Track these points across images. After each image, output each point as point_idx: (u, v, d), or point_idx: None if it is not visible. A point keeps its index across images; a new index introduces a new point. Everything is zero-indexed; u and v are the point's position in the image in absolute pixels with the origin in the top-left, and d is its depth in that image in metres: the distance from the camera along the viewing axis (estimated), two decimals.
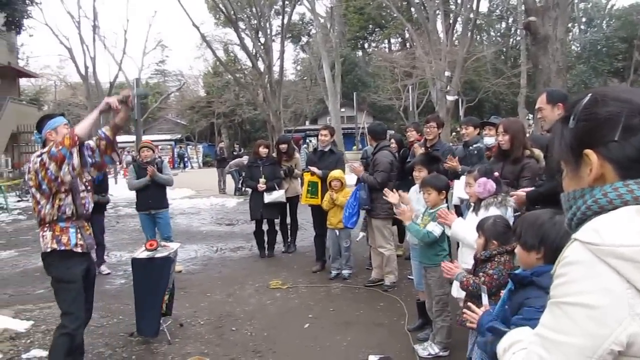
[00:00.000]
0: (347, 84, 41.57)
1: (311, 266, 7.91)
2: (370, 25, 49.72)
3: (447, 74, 23.64)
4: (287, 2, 27.83)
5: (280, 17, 29.94)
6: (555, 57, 8.35)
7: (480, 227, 3.34)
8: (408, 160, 7.16)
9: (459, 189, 5.38)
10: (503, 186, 4.02)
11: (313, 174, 7.69)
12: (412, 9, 34.34)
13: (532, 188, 4.09)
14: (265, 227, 8.85)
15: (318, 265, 7.85)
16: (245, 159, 17.16)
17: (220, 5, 26.18)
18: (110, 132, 4.01)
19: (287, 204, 8.86)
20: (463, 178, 4.75)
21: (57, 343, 3.95)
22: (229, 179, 19.70)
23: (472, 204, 4.13)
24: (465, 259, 3.82)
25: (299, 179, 8.79)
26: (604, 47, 35.03)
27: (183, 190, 19.98)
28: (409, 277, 6.61)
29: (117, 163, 6.72)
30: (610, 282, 1.03)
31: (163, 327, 5.23)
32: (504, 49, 43.48)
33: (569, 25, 35.95)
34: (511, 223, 3.43)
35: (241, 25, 27.44)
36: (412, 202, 5.17)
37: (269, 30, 27.78)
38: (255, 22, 27.69)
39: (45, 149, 3.81)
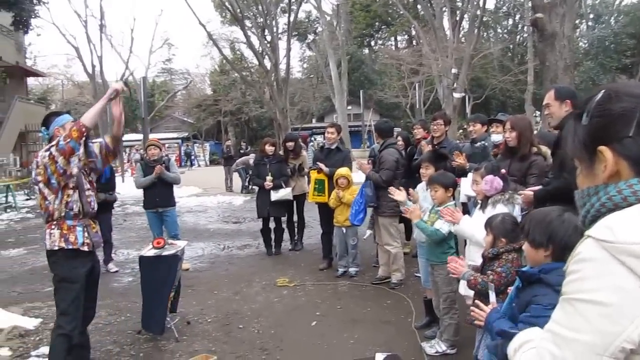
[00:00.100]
0: (354, 81, 41.51)
1: (318, 264, 7.91)
2: (377, 23, 49.64)
3: (453, 71, 23.56)
4: (293, 0, 27.81)
5: (287, 15, 29.89)
6: (563, 53, 8.30)
7: (489, 224, 3.33)
8: (415, 157, 7.15)
9: (466, 187, 5.36)
10: (510, 183, 4.01)
11: (320, 171, 7.68)
12: (419, 6, 34.17)
13: (540, 187, 4.07)
14: (272, 224, 8.86)
15: (325, 263, 7.85)
16: (251, 157, 17.20)
17: (227, 4, 26.17)
18: (111, 142, 4.09)
19: (294, 202, 8.86)
20: (470, 175, 4.74)
21: (56, 344, 3.93)
22: (235, 176, 19.73)
23: (479, 202, 4.12)
24: (473, 257, 3.81)
25: (305, 176, 8.79)
26: (612, 44, 34.76)
27: (190, 188, 20.03)
28: (415, 274, 6.61)
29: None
30: (623, 280, 1.03)
31: (170, 324, 5.25)
32: (511, 46, 43.33)
33: (577, 21, 35.74)
34: (519, 220, 3.41)
35: (247, 23, 27.43)
36: (419, 200, 5.17)
37: (275, 28, 27.75)
38: (262, 20, 27.68)
39: (54, 142, 3.83)
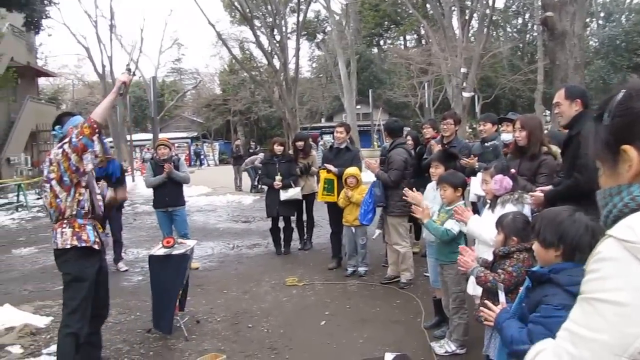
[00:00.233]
0: (363, 81, 41.43)
1: (327, 263, 7.91)
2: (386, 22, 49.53)
3: (463, 70, 23.48)
4: (302, 0, 27.81)
5: (296, 14, 29.94)
6: (573, 52, 8.25)
7: (500, 223, 3.31)
8: (424, 157, 7.14)
9: (476, 186, 5.35)
10: (520, 182, 4.00)
11: (329, 171, 7.68)
12: (428, 6, 34.05)
13: (549, 186, 4.05)
14: (281, 224, 8.87)
15: (334, 263, 7.85)
16: (257, 158, 17.26)
17: (236, 3, 26.24)
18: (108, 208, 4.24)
19: (304, 201, 8.86)
20: (480, 175, 4.73)
21: (64, 343, 3.94)
22: (245, 176, 19.77)
23: (489, 201, 4.11)
24: (482, 256, 3.80)
25: (315, 176, 8.79)
26: (623, 42, 34.47)
27: (199, 187, 20.09)
28: (425, 274, 6.59)
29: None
30: None
31: (180, 323, 5.27)
32: (521, 45, 43.09)
33: (587, 20, 35.57)
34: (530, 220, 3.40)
35: (257, 23, 27.48)
36: (429, 199, 5.15)
37: (284, 28, 27.76)
38: (271, 19, 27.69)
39: (66, 140, 3.85)
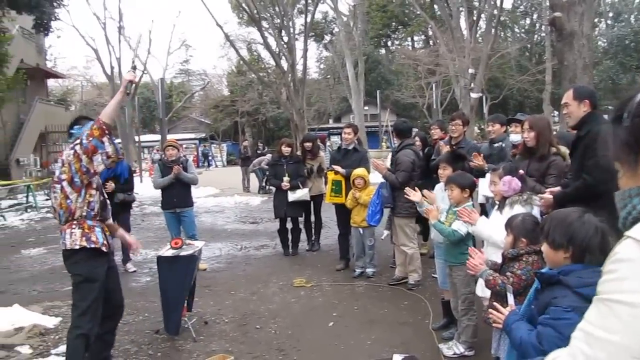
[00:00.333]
0: (371, 82, 41.43)
1: (335, 264, 7.91)
2: (393, 23, 49.49)
3: (470, 71, 23.39)
4: (310, 1, 27.81)
5: (303, 15, 29.93)
6: (582, 53, 8.21)
7: (509, 224, 3.30)
8: (432, 158, 7.12)
9: (484, 187, 5.33)
10: (529, 184, 3.98)
11: (337, 172, 7.67)
12: (436, 6, 34.01)
13: (559, 188, 4.03)
14: (289, 225, 8.87)
15: (342, 264, 7.84)
16: (264, 159, 17.27)
17: (244, 5, 26.26)
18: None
19: (311, 202, 8.86)
20: (488, 176, 4.71)
21: (75, 344, 3.95)
22: (253, 177, 19.79)
23: (497, 203, 4.09)
24: (490, 258, 3.78)
25: (323, 177, 8.79)
26: (632, 42, 34.30)
27: (207, 188, 20.14)
28: (433, 275, 6.57)
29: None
30: None
31: (188, 324, 5.28)
32: (529, 46, 42.95)
33: (596, 20, 35.40)
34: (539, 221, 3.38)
35: (264, 24, 27.46)
36: (438, 200, 5.14)
37: (292, 29, 27.75)
38: (279, 21, 27.69)
39: (78, 141, 3.88)
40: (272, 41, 27.46)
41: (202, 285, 6.67)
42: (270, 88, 32.01)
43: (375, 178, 7.71)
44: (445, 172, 5.17)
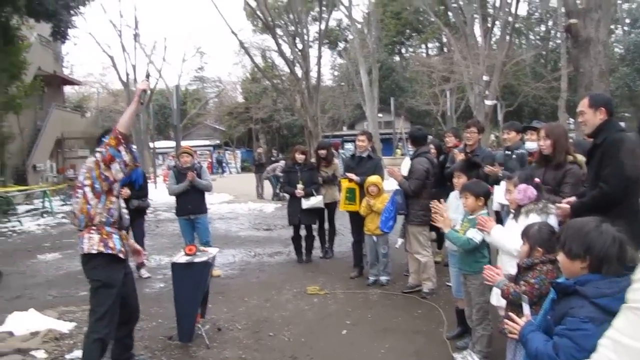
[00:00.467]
0: (385, 89, 41.41)
1: (349, 272, 7.89)
2: (407, 30, 49.49)
3: (485, 78, 23.30)
4: (324, 8, 27.88)
5: (318, 23, 30.00)
6: (598, 59, 8.16)
7: (525, 233, 3.28)
8: (447, 165, 7.09)
9: (499, 195, 5.30)
10: (544, 193, 3.95)
11: (351, 180, 7.66)
12: (450, 13, 33.97)
13: (574, 197, 3.99)
14: (303, 232, 8.86)
15: (356, 271, 7.82)
16: (278, 166, 17.31)
17: (258, 13, 26.39)
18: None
19: (325, 210, 8.86)
20: (503, 184, 4.68)
21: (91, 349, 4.02)
22: (266, 184, 19.84)
23: (512, 211, 4.06)
24: (504, 267, 3.75)
25: (336, 185, 8.78)
26: None
27: (221, 195, 20.22)
28: (447, 283, 6.53)
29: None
30: None
31: (201, 331, 5.28)
32: (544, 53, 42.67)
33: (612, 26, 35.12)
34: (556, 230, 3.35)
35: (279, 31, 27.54)
36: (452, 209, 5.11)
37: (306, 37, 27.78)
38: (293, 28, 27.76)
39: (99, 149, 4.03)
40: (286, 48, 27.59)
41: (215, 291, 6.68)
42: (284, 95, 32.09)
43: (390, 185, 7.70)
44: (460, 180, 5.14)
